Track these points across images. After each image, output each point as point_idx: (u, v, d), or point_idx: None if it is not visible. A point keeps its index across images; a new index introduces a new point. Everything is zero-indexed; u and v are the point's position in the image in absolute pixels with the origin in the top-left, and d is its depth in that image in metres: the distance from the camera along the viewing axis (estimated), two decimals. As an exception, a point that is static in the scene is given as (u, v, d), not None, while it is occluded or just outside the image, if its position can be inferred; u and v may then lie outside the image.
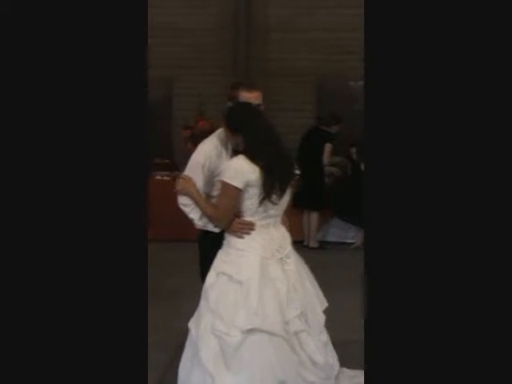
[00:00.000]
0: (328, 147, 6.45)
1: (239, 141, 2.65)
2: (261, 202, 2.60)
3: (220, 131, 2.96)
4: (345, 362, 2.87)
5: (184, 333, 3.95)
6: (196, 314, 2.73)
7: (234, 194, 2.59)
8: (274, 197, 2.61)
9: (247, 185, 2.57)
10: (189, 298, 4.71)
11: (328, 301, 2.88)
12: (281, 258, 2.69)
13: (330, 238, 6.92)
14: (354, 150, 6.66)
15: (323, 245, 6.69)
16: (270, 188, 2.58)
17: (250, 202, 2.62)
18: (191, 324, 2.73)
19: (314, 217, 6.48)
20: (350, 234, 6.77)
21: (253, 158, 2.58)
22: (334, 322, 2.88)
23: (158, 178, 7.04)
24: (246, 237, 2.65)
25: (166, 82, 8.23)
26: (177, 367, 3.39)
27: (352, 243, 6.61)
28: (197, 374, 2.61)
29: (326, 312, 2.84)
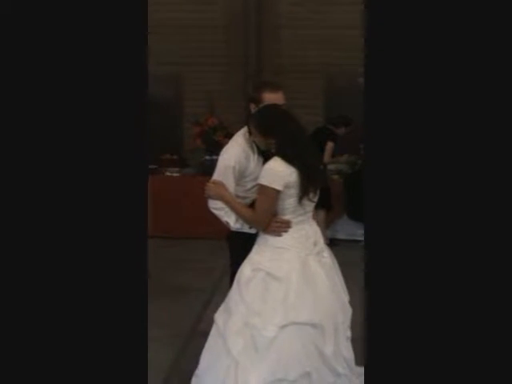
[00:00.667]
0: (329, 146, 6.42)
1: (271, 143, 2.68)
2: (300, 201, 2.65)
3: (244, 132, 2.94)
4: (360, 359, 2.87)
5: (192, 330, 3.99)
6: (223, 306, 2.75)
7: (273, 197, 2.63)
8: (311, 194, 2.68)
9: (286, 186, 2.61)
10: (196, 294, 4.77)
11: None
12: (318, 252, 2.75)
13: (340, 236, 6.90)
14: (362, 146, 6.62)
15: (334, 242, 6.68)
16: (307, 187, 2.64)
17: (289, 202, 2.66)
18: (218, 316, 2.74)
19: (320, 215, 6.46)
20: (359, 232, 6.74)
21: (289, 159, 2.62)
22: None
23: (168, 174, 7.04)
24: (284, 235, 2.70)
25: (176, 78, 8.24)
26: (183, 364, 3.42)
27: (362, 241, 6.59)
28: (220, 364, 2.64)
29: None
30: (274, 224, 2.69)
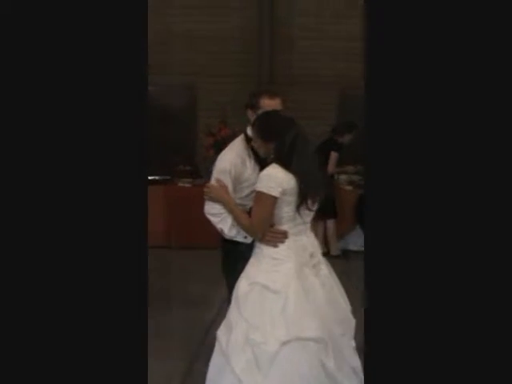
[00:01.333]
0: (333, 156, 6.39)
1: (270, 149, 2.65)
2: (298, 209, 2.61)
3: (241, 138, 2.95)
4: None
5: (201, 341, 3.98)
6: (225, 322, 2.70)
7: (270, 204, 2.58)
8: (310, 202, 2.63)
9: (284, 193, 2.56)
10: (208, 306, 4.76)
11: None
12: (314, 264, 2.70)
13: (352, 247, 6.88)
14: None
15: (346, 253, 6.66)
16: (305, 194, 2.59)
17: (287, 210, 2.61)
18: (220, 333, 2.69)
19: (330, 225, 6.44)
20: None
21: (287, 166, 2.58)
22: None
23: (180, 184, 7.06)
24: (280, 245, 2.64)
25: (189, 89, 8.29)
26: (193, 377, 3.41)
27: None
28: (224, 382, 2.59)
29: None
30: (270, 234, 2.63)
